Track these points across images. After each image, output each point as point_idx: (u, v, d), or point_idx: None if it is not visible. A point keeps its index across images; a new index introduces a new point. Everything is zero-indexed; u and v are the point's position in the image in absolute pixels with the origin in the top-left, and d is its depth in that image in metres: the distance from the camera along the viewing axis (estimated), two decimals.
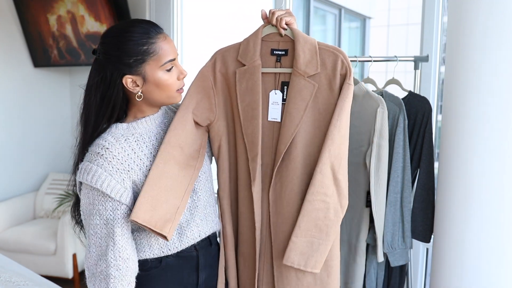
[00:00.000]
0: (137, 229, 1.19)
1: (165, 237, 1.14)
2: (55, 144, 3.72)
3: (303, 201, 1.23)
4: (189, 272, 1.25)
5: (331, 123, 1.21)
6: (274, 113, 1.28)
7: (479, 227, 1.30)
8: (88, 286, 1.13)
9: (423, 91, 1.99)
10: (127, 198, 1.12)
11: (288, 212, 1.26)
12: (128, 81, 1.12)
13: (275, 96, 1.28)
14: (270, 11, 1.27)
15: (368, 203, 1.62)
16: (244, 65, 1.27)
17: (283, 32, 1.26)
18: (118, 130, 1.16)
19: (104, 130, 1.16)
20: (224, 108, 1.31)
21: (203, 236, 1.26)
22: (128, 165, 1.13)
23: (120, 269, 1.09)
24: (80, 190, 1.14)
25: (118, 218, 1.10)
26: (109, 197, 1.09)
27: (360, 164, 1.64)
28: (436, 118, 1.85)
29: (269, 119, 1.28)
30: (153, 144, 1.19)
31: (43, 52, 3.42)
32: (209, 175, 1.32)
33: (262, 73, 1.27)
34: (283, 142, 1.24)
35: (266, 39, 1.29)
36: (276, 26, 1.26)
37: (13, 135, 3.42)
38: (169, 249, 1.20)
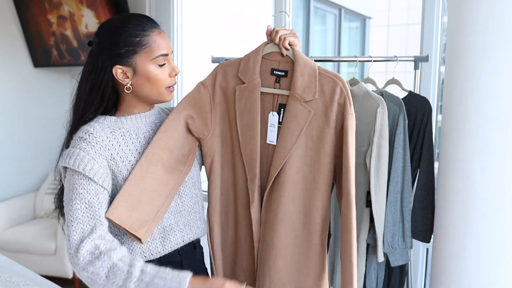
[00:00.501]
0: (119, 233, 1.15)
1: (139, 240, 1.11)
2: (55, 144, 3.70)
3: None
4: None
5: (345, 154, 1.19)
6: (272, 136, 1.27)
7: (479, 227, 1.30)
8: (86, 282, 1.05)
9: (423, 91, 1.99)
10: (108, 184, 1.09)
11: (272, 237, 1.25)
12: (118, 71, 1.12)
13: (273, 118, 1.26)
14: (274, 29, 1.24)
15: (368, 203, 1.62)
16: (244, 83, 1.25)
17: (284, 52, 1.23)
18: (105, 121, 1.14)
19: (90, 120, 1.14)
20: (220, 125, 1.29)
21: (187, 241, 1.23)
22: (111, 154, 1.10)
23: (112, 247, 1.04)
24: (64, 177, 1.11)
25: (102, 203, 1.06)
26: (92, 180, 1.05)
27: (360, 164, 1.64)
28: (436, 118, 1.85)
29: (267, 142, 1.27)
30: (140, 142, 1.17)
31: (43, 52, 3.42)
32: (197, 181, 1.30)
33: (262, 92, 1.25)
34: (275, 166, 1.23)
35: (267, 57, 1.27)
36: (278, 45, 1.23)
37: (13, 135, 3.42)
38: (151, 254, 1.16)
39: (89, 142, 1.08)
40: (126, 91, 1.14)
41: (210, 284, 1.04)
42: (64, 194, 1.09)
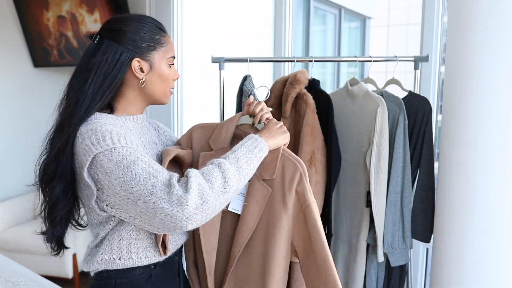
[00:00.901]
0: (136, 230, 1.10)
1: (164, 250, 1.12)
2: None
3: None
4: (172, 279, 1.22)
5: (316, 246, 1.17)
6: (235, 203, 1.22)
7: (479, 227, 1.30)
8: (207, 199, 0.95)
9: (423, 91, 1.99)
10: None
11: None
12: (135, 64, 1.11)
13: None
14: (254, 102, 1.25)
15: (368, 203, 1.63)
16: (212, 150, 1.24)
17: (258, 126, 1.25)
18: (108, 118, 1.09)
19: (84, 118, 1.07)
20: None
21: (180, 244, 1.22)
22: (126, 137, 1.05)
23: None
24: (90, 168, 1.01)
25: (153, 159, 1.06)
26: (133, 148, 1.00)
27: (360, 164, 1.64)
28: (436, 118, 1.85)
29: (229, 209, 1.22)
30: (142, 142, 1.16)
31: (43, 52, 3.42)
32: None
33: None
34: (237, 246, 1.20)
35: (240, 127, 1.28)
36: (254, 119, 1.24)
37: (13, 135, 3.42)
38: (154, 256, 1.13)
39: (108, 127, 1.03)
40: (140, 85, 1.13)
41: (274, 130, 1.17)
42: (109, 176, 0.98)
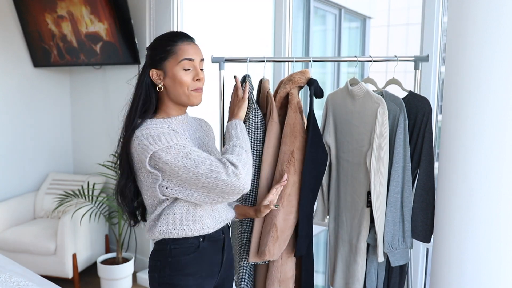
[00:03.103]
0: (186, 206, 1.35)
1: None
2: (55, 144, 3.72)
3: None
4: (216, 253, 1.45)
5: None
6: None
7: (479, 227, 1.29)
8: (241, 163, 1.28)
9: (423, 91, 1.99)
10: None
11: None
12: (153, 73, 1.38)
13: None
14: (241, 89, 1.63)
15: (369, 203, 1.62)
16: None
17: None
18: (156, 123, 1.36)
19: (138, 125, 1.34)
20: None
21: (228, 220, 1.47)
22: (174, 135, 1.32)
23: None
24: (150, 162, 1.28)
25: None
26: (183, 142, 1.29)
27: (360, 164, 1.64)
28: (436, 118, 1.85)
29: None
30: (187, 137, 1.39)
31: (43, 52, 3.42)
32: None
33: None
34: None
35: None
36: None
37: (13, 135, 3.42)
38: (203, 228, 1.38)
39: (159, 130, 1.32)
40: (158, 90, 1.39)
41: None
42: (172, 165, 1.26)
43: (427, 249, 2.13)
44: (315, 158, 1.59)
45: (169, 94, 1.40)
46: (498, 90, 1.24)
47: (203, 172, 1.24)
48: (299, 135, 1.58)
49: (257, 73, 1.77)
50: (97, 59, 3.25)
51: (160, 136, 1.29)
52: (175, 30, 2.99)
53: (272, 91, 1.71)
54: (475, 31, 1.26)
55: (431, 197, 1.61)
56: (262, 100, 1.71)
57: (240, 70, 1.77)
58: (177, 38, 1.39)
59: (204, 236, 1.40)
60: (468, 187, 1.31)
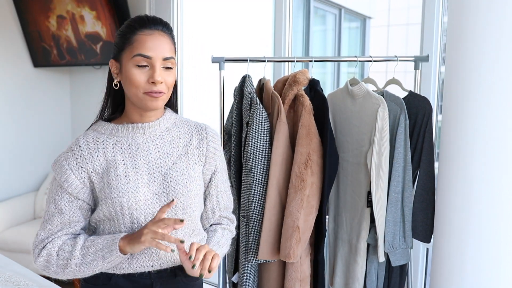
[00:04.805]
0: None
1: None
2: (55, 144, 3.72)
3: None
4: None
5: None
6: None
7: (479, 227, 1.29)
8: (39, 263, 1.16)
9: (423, 91, 1.99)
10: (84, 194, 1.13)
11: None
12: (112, 65, 1.12)
13: None
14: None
15: (369, 203, 1.62)
16: None
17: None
18: (103, 129, 1.14)
19: (94, 123, 1.18)
20: None
21: (158, 267, 1.13)
22: (93, 166, 1.11)
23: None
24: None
25: (74, 210, 1.14)
26: (66, 190, 1.12)
27: (361, 164, 1.64)
28: (436, 118, 1.85)
29: None
30: (131, 152, 1.11)
31: (43, 52, 3.41)
32: None
33: None
34: None
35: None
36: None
37: (13, 135, 3.42)
38: (116, 268, 1.12)
39: (74, 153, 1.12)
40: (114, 86, 1.12)
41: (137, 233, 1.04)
42: (48, 191, 1.17)
43: (427, 249, 2.13)
44: (333, 159, 1.62)
45: (126, 94, 1.11)
46: (498, 90, 1.24)
47: (42, 223, 1.20)
48: (314, 137, 1.59)
49: (257, 73, 1.77)
50: (97, 59, 3.25)
51: (60, 161, 1.13)
52: (174, 30, 2.99)
53: None
54: (475, 31, 1.26)
55: (431, 197, 1.61)
56: (266, 100, 1.71)
57: (240, 70, 1.78)
58: (138, 24, 1.06)
59: (119, 275, 1.14)
60: (468, 187, 1.31)
